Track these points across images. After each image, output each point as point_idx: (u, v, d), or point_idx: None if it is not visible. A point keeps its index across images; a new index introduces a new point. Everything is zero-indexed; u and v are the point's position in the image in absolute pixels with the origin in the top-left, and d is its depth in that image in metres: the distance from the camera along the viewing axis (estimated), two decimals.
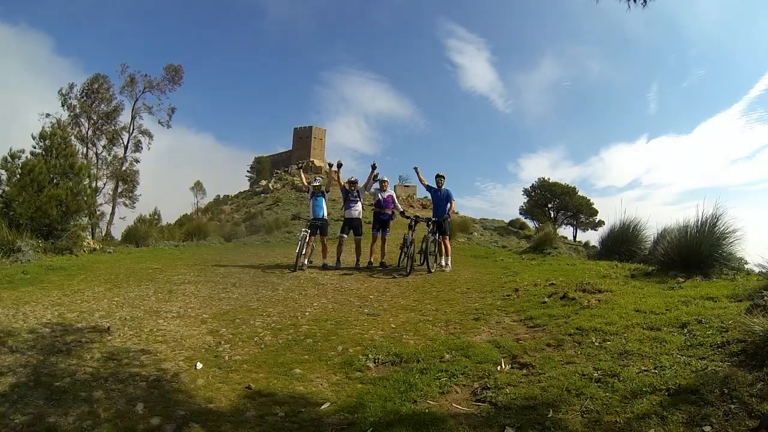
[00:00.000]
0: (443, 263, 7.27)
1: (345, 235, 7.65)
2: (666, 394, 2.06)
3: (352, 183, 8.08)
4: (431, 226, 7.26)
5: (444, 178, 7.56)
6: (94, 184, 17.96)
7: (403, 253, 7.42)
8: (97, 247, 9.62)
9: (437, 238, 7.19)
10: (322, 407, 2.41)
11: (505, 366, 2.80)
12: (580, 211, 32.70)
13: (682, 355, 2.44)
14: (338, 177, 8.03)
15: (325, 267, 7.49)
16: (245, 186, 61.74)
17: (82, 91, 22.08)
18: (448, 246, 7.51)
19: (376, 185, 8.03)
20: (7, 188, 8.95)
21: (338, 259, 7.64)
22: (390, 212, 7.76)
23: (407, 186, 55.35)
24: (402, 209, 8.13)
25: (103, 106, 22.43)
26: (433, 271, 6.96)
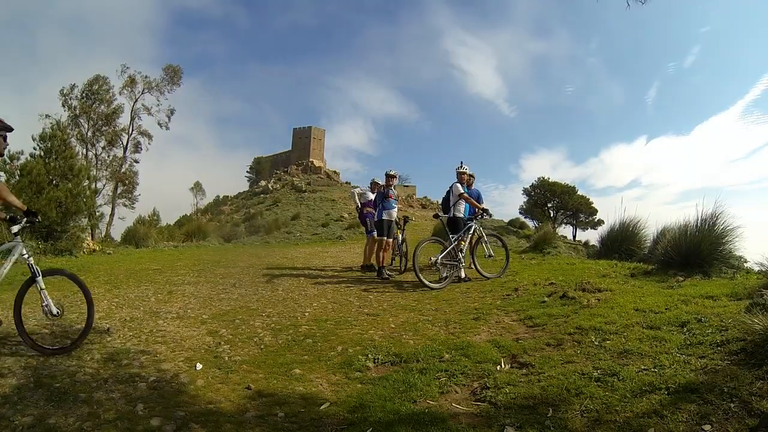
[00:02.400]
0: (462, 274, 6.03)
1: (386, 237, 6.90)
2: (666, 392, 2.07)
3: (391, 177, 6.99)
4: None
5: (472, 175, 6.77)
6: (93, 186, 17.98)
7: (395, 253, 7.45)
8: (97, 248, 9.62)
9: (452, 240, 6.00)
10: (322, 407, 2.41)
11: (505, 365, 2.80)
12: (579, 211, 32.73)
13: (681, 354, 2.44)
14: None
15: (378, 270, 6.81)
16: (244, 186, 61.81)
17: (82, 92, 22.11)
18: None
19: (367, 186, 7.98)
20: None
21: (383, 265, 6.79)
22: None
23: (407, 186, 55.47)
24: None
25: (102, 107, 22.46)
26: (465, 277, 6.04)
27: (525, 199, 33.56)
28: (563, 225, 33.08)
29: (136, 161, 23.79)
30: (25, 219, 3.22)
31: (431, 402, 2.39)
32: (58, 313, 3.18)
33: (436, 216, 6.71)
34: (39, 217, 3.38)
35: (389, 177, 6.99)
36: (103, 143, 22.68)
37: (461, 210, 6.36)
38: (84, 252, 8.90)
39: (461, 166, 6.43)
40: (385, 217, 6.88)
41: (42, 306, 3.12)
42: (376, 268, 6.84)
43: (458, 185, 6.33)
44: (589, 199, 33.24)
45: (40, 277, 3.13)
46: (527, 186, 34.67)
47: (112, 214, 22.02)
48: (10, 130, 3.33)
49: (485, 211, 6.47)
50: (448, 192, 6.50)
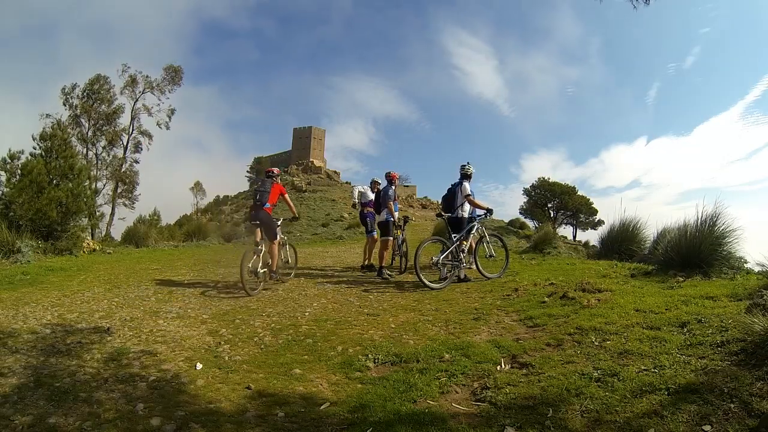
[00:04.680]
0: (462, 274, 5.98)
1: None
2: (666, 393, 2.06)
3: (393, 178, 7.20)
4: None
5: (467, 169, 6.42)
6: (94, 186, 17.99)
7: (395, 253, 7.45)
8: (97, 248, 9.62)
9: (454, 240, 5.90)
10: (322, 407, 2.41)
11: (505, 366, 2.80)
12: (579, 211, 32.71)
13: (681, 355, 2.44)
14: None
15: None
16: (245, 186, 61.78)
17: (84, 91, 22.11)
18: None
19: (367, 185, 7.89)
20: (6, 189, 8.96)
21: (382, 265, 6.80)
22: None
23: (407, 186, 55.52)
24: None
25: (103, 107, 22.45)
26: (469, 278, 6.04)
27: (525, 200, 33.55)
28: (563, 225, 33.07)
29: (137, 161, 23.77)
30: (290, 219, 6.98)
31: (431, 402, 2.39)
32: (287, 261, 6.61)
33: (439, 215, 6.66)
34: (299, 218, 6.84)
35: (391, 179, 7.10)
36: (103, 143, 22.68)
37: (467, 210, 6.28)
38: (84, 251, 8.90)
39: (468, 166, 6.33)
40: (390, 218, 6.96)
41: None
42: (377, 267, 6.85)
43: (466, 185, 6.23)
44: (589, 199, 33.25)
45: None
46: (527, 186, 34.70)
47: (112, 214, 22.02)
48: (276, 175, 6.28)
49: (489, 210, 6.46)
50: (450, 191, 6.40)
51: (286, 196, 6.21)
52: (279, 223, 6.02)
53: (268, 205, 5.74)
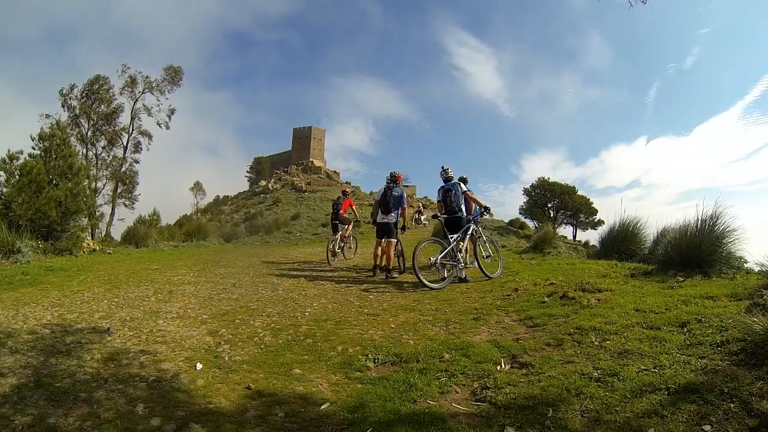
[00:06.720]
0: (462, 274, 5.99)
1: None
2: (666, 393, 2.06)
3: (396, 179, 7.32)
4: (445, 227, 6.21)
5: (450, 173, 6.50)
6: (93, 185, 17.98)
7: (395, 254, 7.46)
8: (97, 248, 9.62)
9: (452, 240, 5.93)
10: (322, 407, 2.41)
11: (505, 366, 2.80)
12: (579, 211, 32.71)
13: (681, 354, 2.44)
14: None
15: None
16: (245, 186, 61.77)
17: (83, 92, 22.07)
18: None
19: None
20: (5, 189, 8.95)
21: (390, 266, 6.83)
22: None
23: (407, 186, 55.56)
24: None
25: (103, 107, 22.41)
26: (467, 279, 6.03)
27: (525, 199, 33.57)
28: (563, 225, 33.09)
29: (136, 161, 23.76)
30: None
31: (431, 402, 2.39)
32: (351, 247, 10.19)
33: (435, 216, 6.69)
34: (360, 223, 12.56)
35: (396, 179, 7.19)
36: (103, 143, 22.65)
37: (465, 209, 6.33)
38: (84, 251, 8.90)
39: (447, 170, 6.44)
40: (398, 219, 7.06)
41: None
42: (389, 268, 6.70)
43: (462, 184, 6.36)
44: (589, 199, 33.24)
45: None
46: (527, 186, 34.69)
47: (112, 214, 22.00)
48: (348, 194, 9.90)
49: (487, 209, 6.49)
50: (446, 194, 6.32)
51: (353, 207, 9.81)
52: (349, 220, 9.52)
53: (341, 211, 9.34)
